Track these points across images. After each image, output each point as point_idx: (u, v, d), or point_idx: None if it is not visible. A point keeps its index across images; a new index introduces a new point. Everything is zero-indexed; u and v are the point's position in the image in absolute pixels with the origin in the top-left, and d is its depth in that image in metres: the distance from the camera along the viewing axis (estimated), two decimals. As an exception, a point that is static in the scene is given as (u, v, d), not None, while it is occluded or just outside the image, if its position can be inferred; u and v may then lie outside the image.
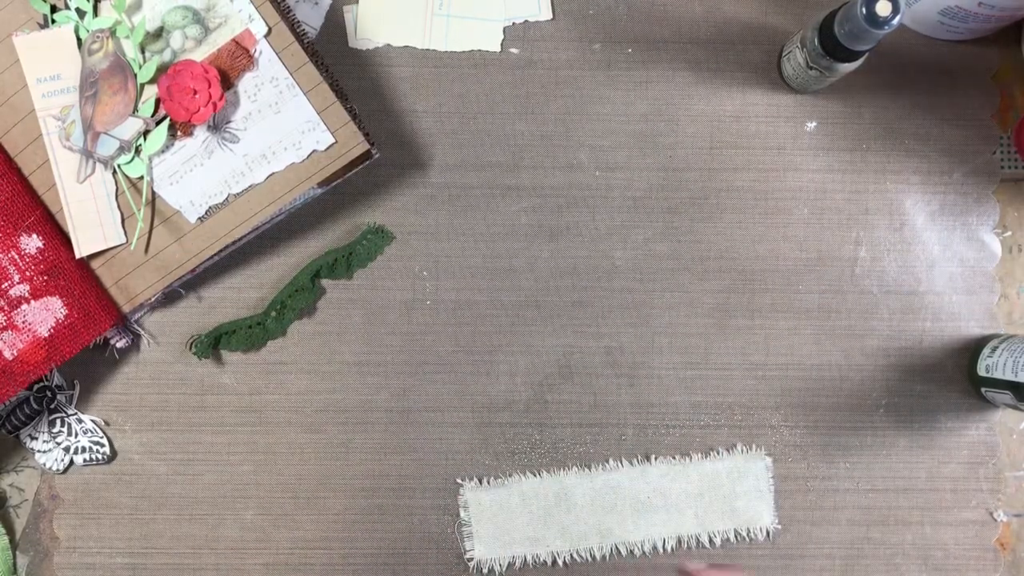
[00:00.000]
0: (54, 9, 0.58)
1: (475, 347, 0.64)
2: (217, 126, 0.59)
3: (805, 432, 0.64)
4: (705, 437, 0.64)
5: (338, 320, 0.64)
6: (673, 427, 0.64)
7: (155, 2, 0.58)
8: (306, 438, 0.64)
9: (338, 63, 0.64)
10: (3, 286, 0.59)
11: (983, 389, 0.62)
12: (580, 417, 0.64)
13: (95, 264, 0.61)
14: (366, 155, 0.60)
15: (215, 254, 0.61)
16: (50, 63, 0.58)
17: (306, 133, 0.59)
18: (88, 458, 0.63)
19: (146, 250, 0.60)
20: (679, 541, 0.63)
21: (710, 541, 0.63)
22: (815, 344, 0.65)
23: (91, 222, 0.60)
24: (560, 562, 0.63)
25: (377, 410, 0.64)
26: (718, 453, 0.64)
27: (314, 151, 0.59)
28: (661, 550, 0.63)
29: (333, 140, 0.59)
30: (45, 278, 0.60)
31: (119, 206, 0.60)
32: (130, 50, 0.58)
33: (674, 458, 0.64)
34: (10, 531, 0.63)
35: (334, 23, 0.64)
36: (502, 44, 0.64)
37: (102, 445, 0.63)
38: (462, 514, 0.63)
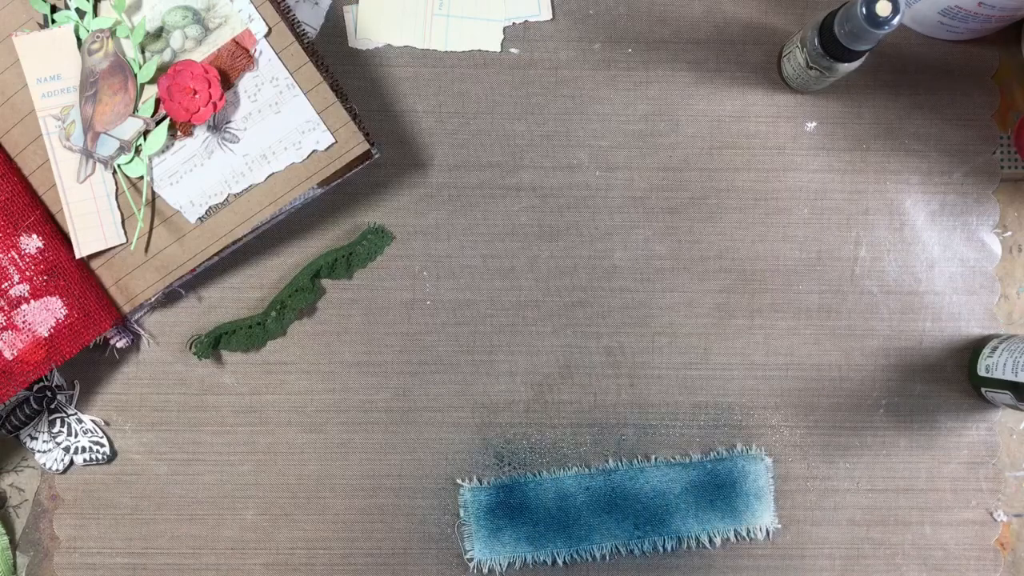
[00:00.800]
0: (54, 9, 0.58)
1: (475, 347, 0.64)
2: (217, 126, 0.59)
3: (805, 432, 0.64)
4: (705, 437, 0.64)
5: (338, 320, 0.64)
6: (673, 427, 0.64)
7: (155, 2, 0.58)
8: (306, 438, 0.64)
9: (338, 63, 0.64)
10: (3, 286, 0.59)
11: (983, 389, 0.62)
12: (580, 417, 0.64)
13: (95, 264, 0.61)
14: (366, 155, 0.60)
15: (215, 254, 0.61)
16: (50, 63, 0.58)
17: (306, 133, 0.59)
18: (88, 458, 0.63)
19: (146, 250, 0.61)
20: (679, 541, 0.63)
21: (710, 541, 0.63)
22: (815, 344, 0.65)
23: (91, 222, 0.60)
24: (560, 562, 0.63)
25: (377, 410, 0.64)
26: (718, 453, 0.64)
27: (314, 151, 0.59)
28: (661, 550, 0.63)
29: (333, 140, 0.59)
30: (45, 278, 0.60)
31: (119, 206, 0.60)
32: (130, 50, 0.58)
33: (674, 458, 0.64)
34: (10, 531, 0.63)
35: (334, 23, 0.64)
36: (502, 44, 0.64)
37: (102, 445, 0.63)
38: (462, 514, 0.63)
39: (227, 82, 0.58)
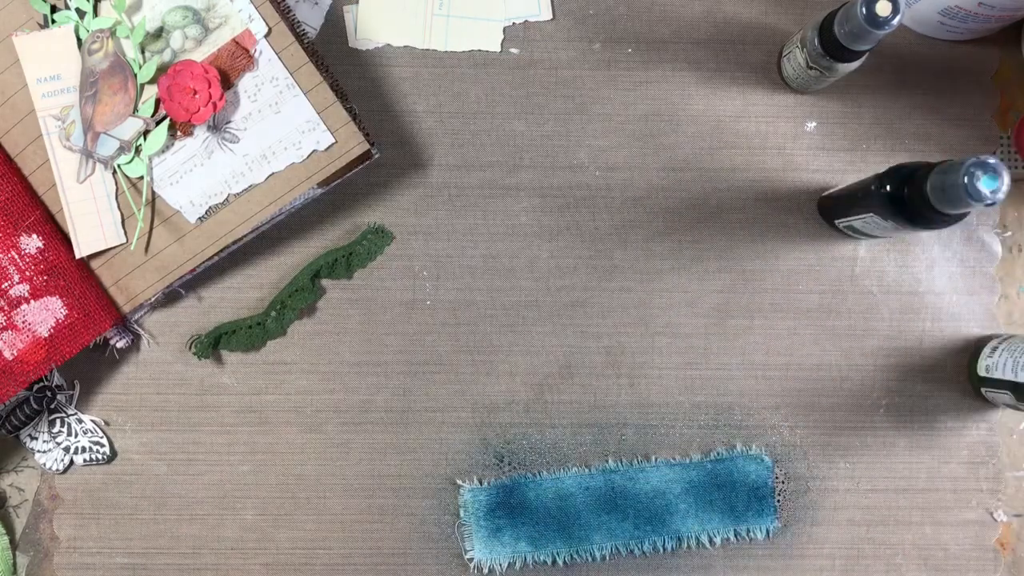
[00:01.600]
0: (54, 9, 0.58)
1: (475, 347, 0.64)
2: (217, 126, 0.59)
3: (805, 432, 0.64)
4: (705, 437, 0.64)
5: (338, 320, 0.64)
6: (673, 427, 0.64)
7: (155, 2, 0.58)
8: (306, 438, 0.64)
9: (338, 63, 0.64)
10: (3, 286, 0.59)
11: (983, 389, 0.62)
12: (580, 417, 0.64)
13: (95, 264, 0.61)
14: (366, 155, 0.60)
15: (215, 254, 0.61)
16: (50, 63, 0.58)
17: (306, 133, 0.59)
18: (88, 458, 0.63)
19: (146, 250, 0.61)
20: (679, 541, 0.63)
21: (710, 541, 0.63)
22: (815, 344, 0.65)
23: (91, 222, 0.60)
24: (560, 562, 0.63)
25: (377, 410, 0.64)
26: (718, 453, 0.64)
27: (314, 151, 0.59)
28: (661, 550, 0.63)
29: (333, 140, 0.59)
30: (45, 278, 0.60)
31: (119, 206, 0.60)
32: (130, 50, 0.58)
33: (674, 458, 0.64)
34: (10, 531, 0.63)
35: (334, 23, 0.64)
36: (502, 44, 0.64)
37: (102, 445, 0.63)
38: (462, 514, 0.63)
39: (227, 82, 0.58)
